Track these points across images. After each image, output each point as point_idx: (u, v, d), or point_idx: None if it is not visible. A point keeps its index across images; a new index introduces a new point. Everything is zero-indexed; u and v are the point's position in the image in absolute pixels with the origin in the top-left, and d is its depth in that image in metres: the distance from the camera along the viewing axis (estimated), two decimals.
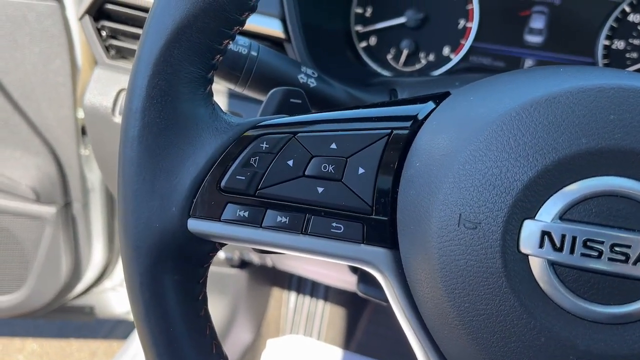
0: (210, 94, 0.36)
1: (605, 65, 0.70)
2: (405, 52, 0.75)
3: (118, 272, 1.33)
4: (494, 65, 0.74)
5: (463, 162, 0.31)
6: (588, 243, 0.28)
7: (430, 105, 0.36)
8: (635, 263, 0.28)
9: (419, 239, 0.32)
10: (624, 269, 0.28)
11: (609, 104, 0.29)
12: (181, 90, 0.34)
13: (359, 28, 0.76)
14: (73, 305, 1.34)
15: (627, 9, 0.69)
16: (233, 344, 1.30)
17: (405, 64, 0.76)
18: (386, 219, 0.34)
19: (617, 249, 0.28)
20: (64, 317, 1.46)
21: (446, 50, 0.75)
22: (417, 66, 0.76)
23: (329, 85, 0.52)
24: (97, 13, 0.66)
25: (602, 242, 0.28)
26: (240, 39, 0.48)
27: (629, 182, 0.28)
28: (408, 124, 0.35)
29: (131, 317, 1.38)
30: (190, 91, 0.34)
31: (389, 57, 0.76)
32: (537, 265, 0.29)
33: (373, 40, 0.77)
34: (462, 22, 0.74)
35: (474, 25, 0.73)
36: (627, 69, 0.69)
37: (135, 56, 0.35)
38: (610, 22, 0.69)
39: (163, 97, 0.34)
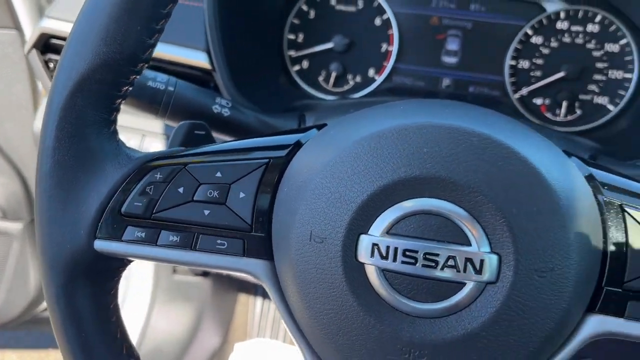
0: (115, 132, 0.42)
1: (513, 83, 0.77)
2: (333, 75, 0.82)
3: None
4: (416, 85, 0.81)
5: (314, 187, 0.37)
6: (407, 253, 0.35)
7: (308, 135, 0.42)
8: (442, 268, 0.34)
9: (284, 252, 0.38)
10: (434, 273, 0.34)
11: (423, 139, 0.35)
12: (86, 132, 0.40)
13: (292, 53, 0.83)
14: (46, 316, 1.39)
15: (530, 32, 0.76)
16: (200, 349, 1.36)
17: (335, 85, 0.83)
18: (264, 235, 0.40)
19: (428, 257, 0.34)
20: (39, 328, 1.51)
21: (371, 72, 0.82)
22: (346, 87, 0.82)
23: (242, 113, 0.58)
24: (43, 47, 0.72)
25: (416, 252, 0.35)
26: (159, 76, 0.55)
27: (439, 202, 0.35)
28: (284, 152, 0.41)
29: None
30: (95, 131, 0.40)
31: (320, 79, 0.83)
32: (371, 272, 0.36)
33: (305, 64, 0.83)
34: (384, 46, 0.81)
35: (394, 48, 0.80)
36: (531, 86, 0.76)
37: (47, 99, 0.41)
38: (515, 44, 0.77)
39: (70, 138, 0.40)
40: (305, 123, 0.64)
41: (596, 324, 0.36)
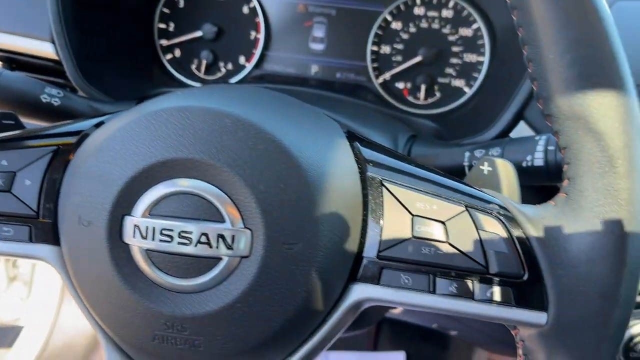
0: None
1: (375, 68, 0.80)
2: (204, 63, 0.82)
3: None
4: (286, 72, 0.83)
5: (84, 171, 0.38)
6: (163, 232, 0.36)
7: (97, 120, 0.43)
8: (196, 245, 0.36)
9: (62, 237, 0.39)
10: (189, 250, 0.36)
11: (180, 122, 0.37)
12: None
13: (163, 42, 0.83)
14: None
15: (389, 18, 0.79)
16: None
17: (208, 73, 0.83)
18: (51, 221, 0.41)
19: (183, 234, 0.36)
20: None
21: (242, 60, 0.83)
22: (218, 74, 0.83)
23: (74, 102, 0.59)
24: None
25: (172, 230, 0.36)
26: None
27: (194, 182, 0.36)
28: (75, 139, 0.42)
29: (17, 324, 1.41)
30: None
31: (193, 67, 0.84)
32: (135, 252, 0.37)
33: (178, 53, 0.84)
34: (253, 34, 0.82)
35: (262, 36, 0.81)
36: (392, 71, 0.79)
37: None
38: (375, 29, 0.79)
39: None
40: None
41: (358, 292, 0.39)
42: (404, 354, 1.41)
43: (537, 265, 0.36)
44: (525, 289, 0.36)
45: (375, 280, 0.38)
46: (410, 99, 0.79)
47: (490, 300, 0.36)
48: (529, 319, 0.36)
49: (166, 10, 0.83)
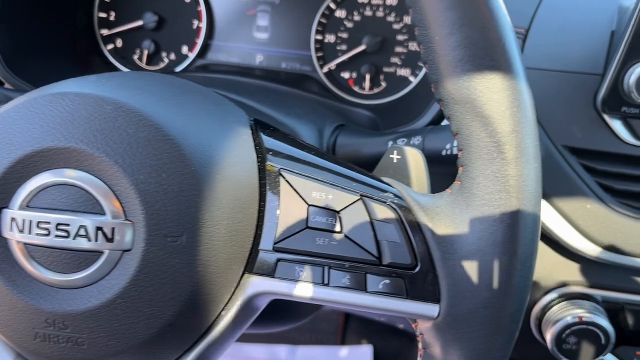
0: None
1: (320, 57, 0.78)
2: (145, 52, 0.80)
3: None
4: (231, 61, 0.81)
5: None
6: (40, 224, 0.34)
7: None
8: (74, 238, 0.34)
9: None
10: (67, 243, 0.34)
11: (59, 109, 0.35)
12: None
13: (104, 31, 0.81)
14: None
15: (333, 6, 0.77)
16: None
17: (150, 63, 0.81)
18: None
19: (60, 227, 0.34)
20: None
21: (184, 49, 0.81)
22: (161, 65, 0.81)
23: None
24: None
25: (49, 223, 0.34)
26: None
27: (74, 172, 0.34)
28: None
29: None
30: None
31: (135, 57, 0.82)
32: (14, 246, 0.35)
33: (119, 43, 0.82)
34: (195, 23, 0.80)
35: (204, 25, 0.79)
36: (336, 60, 0.77)
37: None
38: (318, 17, 0.77)
39: None
40: None
41: (254, 285, 0.37)
42: (372, 347, 1.40)
43: (429, 255, 0.35)
44: (417, 280, 0.35)
45: (271, 272, 0.37)
46: (356, 89, 0.78)
47: (382, 293, 0.35)
48: (422, 311, 0.35)
49: None
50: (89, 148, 0.34)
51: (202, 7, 0.79)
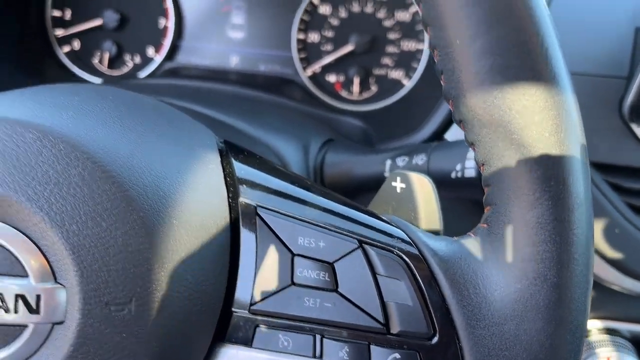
0: None
1: (302, 59, 0.70)
2: (107, 55, 0.72)
3: None
4: (203, 64, 0.72)
5: None
6: None
7: None
8: None
9: None
10: None
11: None
12: None
13: (59, 32, 0.72)
14: None
15: (316, 1, 0.69)
16: None
17: (112, 67, 0.73)
18: None
19: None
20: None
21: (150, 51, 0.72)
22: (125, 69, 0.73)
23: None
24: None
25: None
26: None
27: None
28: None
29: None
30: None
31: (95, 60, 0.73)
32: None
33: (77, 45, 0.73)
34: (162, 22, 0.71)
35: (171, 24, 0.71)
36: (321, 62, 0.69)
37: None
38: (300, 14, 0.69)
39: None
40: None
41: (228, 357, 0.29)
42: None
43: (450, 322, 0.27)
44: (436, 354, 0.27)
45: (248, 341, 0.29)
46: (344, 94, 0.70)
47: None
48: None
49: None
50: (3, 191, 0.26)
51: (169, 4, 0.70)
